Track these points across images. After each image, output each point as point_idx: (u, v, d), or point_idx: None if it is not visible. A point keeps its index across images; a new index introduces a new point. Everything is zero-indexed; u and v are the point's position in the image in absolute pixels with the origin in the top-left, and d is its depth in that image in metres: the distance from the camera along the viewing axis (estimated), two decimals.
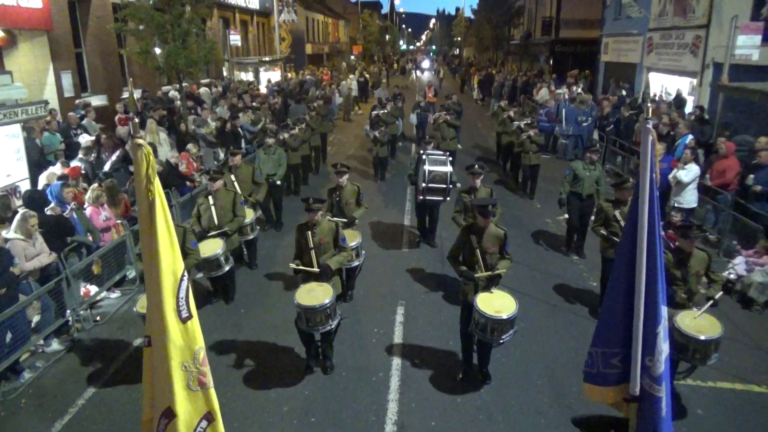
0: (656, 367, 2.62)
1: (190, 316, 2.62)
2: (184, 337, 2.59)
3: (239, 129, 14.23)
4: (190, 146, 12.12)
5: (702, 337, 5.05)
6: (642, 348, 2.65)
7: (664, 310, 2.64)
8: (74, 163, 9.87)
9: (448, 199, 9.46)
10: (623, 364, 2.83)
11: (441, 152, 9.96)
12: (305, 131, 13.38)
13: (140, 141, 2.55)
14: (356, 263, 7.68)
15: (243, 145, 13.83)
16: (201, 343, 2.66)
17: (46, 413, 5.80)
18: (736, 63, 12.99)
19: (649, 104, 3.20)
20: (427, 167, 9.17)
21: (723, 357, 5.43)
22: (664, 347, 2.64)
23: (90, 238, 7.96)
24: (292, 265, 6.24)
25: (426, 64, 57.84)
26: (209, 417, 2.66)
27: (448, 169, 9.24)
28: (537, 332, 7.01)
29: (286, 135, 12.41)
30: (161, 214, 2.58)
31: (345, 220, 7.78)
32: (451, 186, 9.26)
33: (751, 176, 9.12)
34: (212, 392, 2.68)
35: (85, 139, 11.41)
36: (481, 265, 5.81)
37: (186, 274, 2.66)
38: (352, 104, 25.82)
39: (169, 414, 2.55)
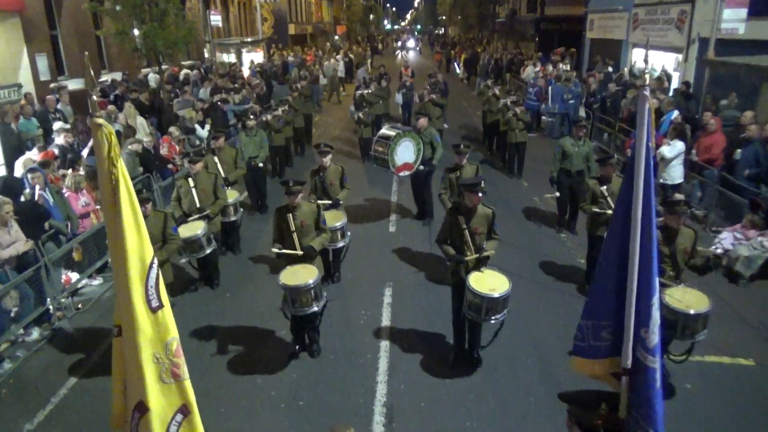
0: (651, 338, 2.57)
1: (161, 306, 2.50)
2: (155, 328, 2.46)
3: (225, 110, 13.99)
4: (172, 129, 11.88)
5: (691, 312, 5.03)
6: (637, 320, 2.60)
7: (657, 281, 2.59)
8: (55, 149, 9.60)
9: (396, 175, 9.76)
10: (613, 337, 2.78)
11: (403, 127, 10.16)
12: (288, 112, 13.16)
13: (100, 120, 2.37)
14: (341, 244, 7.58)
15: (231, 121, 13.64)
16: (174, 334, 2.53)
17: (27, 403, 5.68)
18: (722, 37, 12.93)
19: (645, 74, 3.07)
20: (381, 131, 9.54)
21: (710, 331, 5.42)
22: (658, 318, 2.58)
23: (68, 225, 7.77)
24: (275, 249, 6.13)
25: (411, 43, 57.23)
26: (184, 410, 2.53)
27: (391, 134, 9.41)
28: (525, 311, 6.98)
29: (269, 116, 12.19)
30: (126, 197, 2.43)
31: (329, 201, 7.66)
32: (387, 160, 9.37)
33: (738, 151, 9.11)
34: (188, 384, 2.55)
35: (58, 126, 11.10)
36: (470, 246, 5.68)
37: (155, 261, 2.52)
38: (338, 85, 25.41)
39: (142, 408, 2.44)
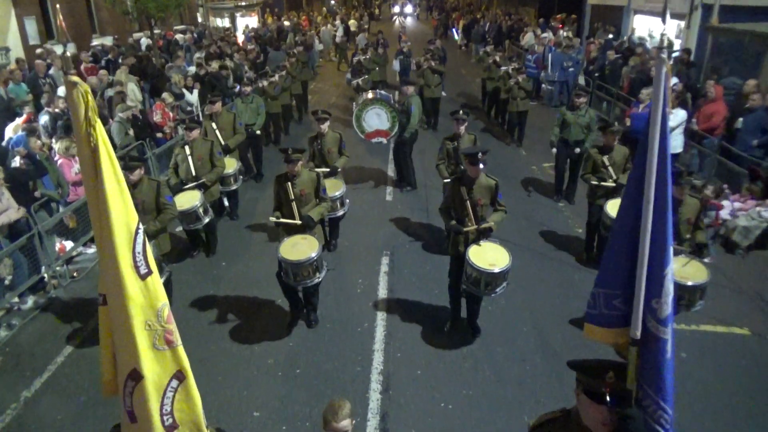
0: (663, 309, 2.52)
1: (149, 272, 2.42)
2: (145, 295, 2.39)
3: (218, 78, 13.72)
4: (165, 95, 11.63)
5: (689, 283, 5.00)
6: (649, 290, 2.55)
7: (671, 251, 2.53)
8: (42, 116, 9.40)
9: (369, 141, 10.29)
10: (625, 307, 2.74)
11: (382, 93, 10.71)
12: (285, 79, 12.93)
13: (75, 78, 2.24)
14: (341, 212, 7.52)
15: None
16: (164, 300, 2.47)
17: (24, 371, 5.68)
18: (726, 4, 12.67)
19: (662, 34, 2.93)
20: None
21: (706, 301, 5.43)
22: (671, 289, 2.54)
23: (59, 192, 7.67)
24: (273, 219, 6.05)
25: (408, 8, 56.02)
26: (180, 376, 2.50)
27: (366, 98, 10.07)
28: (522, 280, 6.96)
29: (264, 83, 11.97)
30: (107, 161, 2.32)
31: (327, 169, 7.57)
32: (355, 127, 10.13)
33: (740, 119, 8.99)
34: (181, 350, 2.50)
35: (61, 91, 10.84)
36: (471, 218, 5.59)
37: (140, 227, 2.43)
38: (344, 50, 24.52)
39: (136, 375, 2.40)
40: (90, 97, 2.27)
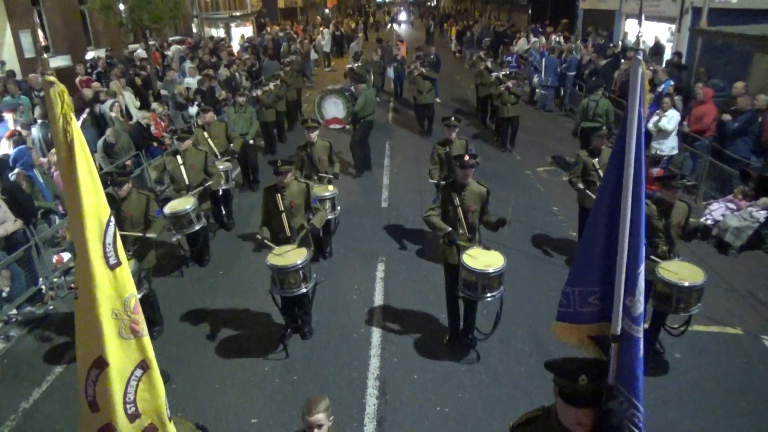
0: (636, 307, 2.57)
1: (118, 263, 2.50)
2: (113, 285, 2.48)
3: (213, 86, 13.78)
4: (155, 105, 11.69)
5: (686, 284, 5.03)
6: (623, 287, 2.60)
7: (644, 249, 2.59)
8: (35, 128, 9.41)
9: (326, 127, 11.45)
10: (601, 303, 2.79)
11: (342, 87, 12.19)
12: (280, 87, 13.00)
13: (52, 78, 2.36)
14: (331, 216, 7.56)
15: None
16: (132, 291, 2.55)
17: (22, 382, 5.70)
18: (715, 7, 12.81)
19: (639, 35, 2.98)
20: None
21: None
22: (643, 287, 2.59)
23: (57, 204, 7.71)
24: (260, 237, 5.97)
25: (403, 16, 56.26)
26: (144, 365, 2.56)
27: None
28: (516, 283, 7.02)
29: (259, 92, 12.05)
30: (82, 157, 2.42)
31: (327, 175, 7.66)
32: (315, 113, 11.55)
33: (727, 116, 9.09)
34: (147, 340, 2.57)
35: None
36: (462, 224, 5.61)
37: (112, 219, 2.53)
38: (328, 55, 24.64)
39: (101, 363, 2.45)
40: (66, 96, 2.37)
